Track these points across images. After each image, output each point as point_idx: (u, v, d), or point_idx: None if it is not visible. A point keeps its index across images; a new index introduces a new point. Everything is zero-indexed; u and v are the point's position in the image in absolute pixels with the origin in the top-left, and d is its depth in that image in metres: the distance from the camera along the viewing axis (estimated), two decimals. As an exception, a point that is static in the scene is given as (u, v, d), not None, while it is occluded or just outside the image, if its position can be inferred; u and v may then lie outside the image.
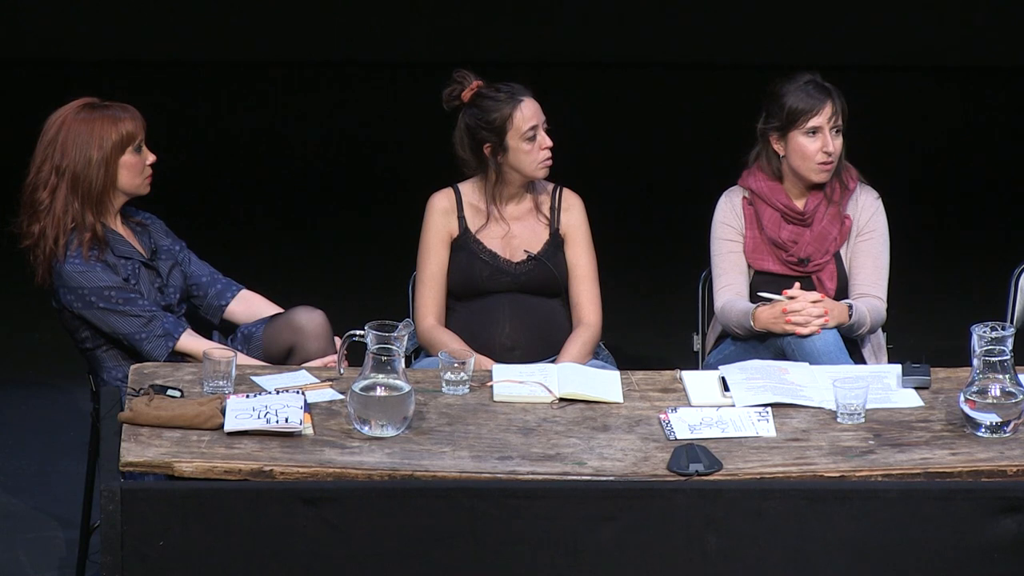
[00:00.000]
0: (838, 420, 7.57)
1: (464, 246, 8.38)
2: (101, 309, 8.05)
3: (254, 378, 7.77)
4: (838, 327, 8.23)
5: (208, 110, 11.45)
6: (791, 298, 8.17)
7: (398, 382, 7.44)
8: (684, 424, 7.53)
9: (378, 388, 7.42)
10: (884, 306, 8.35)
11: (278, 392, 7.66)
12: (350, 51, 12.32)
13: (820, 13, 12.51)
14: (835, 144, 8.26)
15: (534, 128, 8.25)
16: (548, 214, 8.43)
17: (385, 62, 11.08)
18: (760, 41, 11.85)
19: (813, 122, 8.26)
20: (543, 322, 8.40)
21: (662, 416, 7.59)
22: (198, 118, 11.23)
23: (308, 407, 7.55)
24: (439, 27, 12.24)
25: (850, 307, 8.25)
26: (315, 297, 8.36)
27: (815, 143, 8.27)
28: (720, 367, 7.97)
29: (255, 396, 7.60)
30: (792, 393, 7.72)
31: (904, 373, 7.82)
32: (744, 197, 8.38)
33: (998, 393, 7.46)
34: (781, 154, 8.35)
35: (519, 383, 7.76)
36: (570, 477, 7.31)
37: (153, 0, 12.78)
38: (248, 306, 8.43)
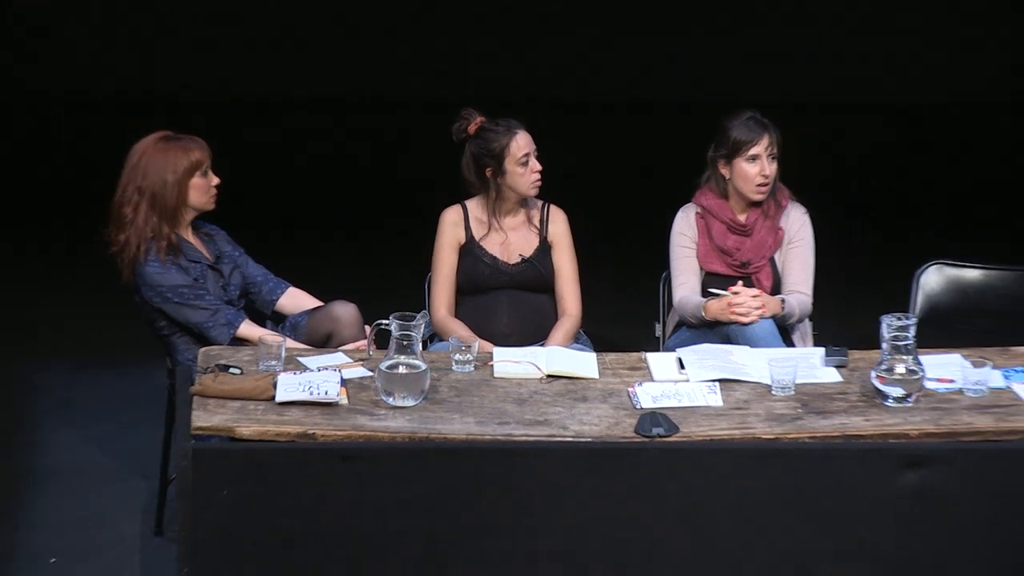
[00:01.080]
0: (773, 392, 7.58)
1: (470, 251, 8.40)
2: (175, 303, 8.08)
3: (300, 359, 7.78)
4: (773, 317, 8.22)
5: (268, 140, 11.42)
6: (735, 294, 8.19)
7: (416, 362, 7.46)
8: (648, 396, 7.55)
9: (400, 367, 7.45)
10: (810, 300, 8.38)
11: (319, 370, 7.67)
12: (378, 90, 12.24)
13: (760, 58, 12.41)
14: (771, 169, 8.27)
15: (527, 155, 8.27)
16: (538, 225, 8.45)
17: (403, 101, 11.02)
18: (710, 83, 11.79)
19: (753, 151, 8.27)
20: (534, 313, 8.41)
21: (630, 389, 7.60)
22: (261, 147, 11.22)
23: (344, 382, 7.56)
24: (447, 70, 12.17)
25: (783, 301, 8.27)
26: (349, 293, 8.36)
27: (755, 168, 8.29)
28: (677, 349, 7.94)
29: (301, 373, 7.61)
30: (736, 370, 7.73)
31: (826, 354, 7.83)
32: (697, 212, 8.40)
33: (903, 371, 7.48)
34: (727, 177, 8.37)
35: (514, 362, 7.78)
36: (555, 439, 7.32)
37: (222, 50, 12.62)
38: (295, 300, 8.45)
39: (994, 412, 7.49)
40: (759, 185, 8.30)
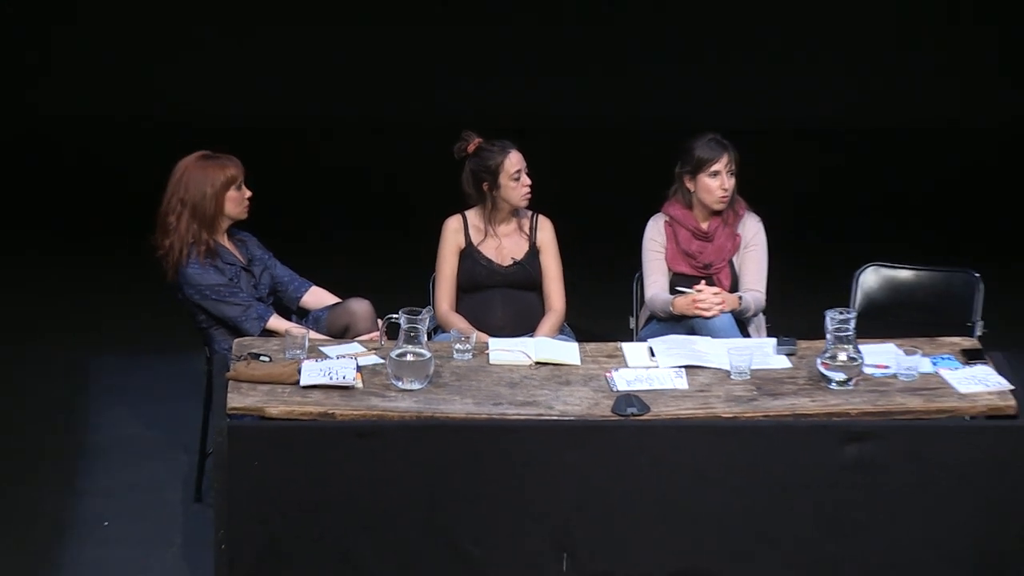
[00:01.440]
0: (731, 377, 7.60)
1: (469, 255, 8.42)
2: (213, 300, 8.12)
3: (321, 348, 7.78)
4: (732, 312, 8.25)
5: (297, 158, 11.42)
6: (699, 292, 8.21)
7: (422, 350, 7.49)
8: (623, 380, 7.57)
9: (408, 355, 7.47)
10: (764, 297, 8.38)
11: (338, 358, 7.68)
12: (391, 113, 12.17)
13: (723, 86, 12.34)
14: (729, 183, 8.28)
15: (519, 171, 8.29)
16: (528, 232, 8.46)
17: (414, 122, 11.01)
18: (679, 107, 11.73)
19: (714, 167, 8.29)
20: (524, 309, 8.41)
21: (607, 374, 7.63)
22: (293, 165, 11.22)
23: (359, 368, 7.59)
24: (452, 96, 12.14)
25: (740, 298, 8.28)
26: (364, 291, 8.37)
27: (716, 182, 8.30)
28: (648, 340, 7.97)
29: (322, 360, 7.63)
30: (699, 358, 7.74)
31: (778, 344, 7.85)
32: (665, 221, 8.40)
33: (844, 358, 7.51)
34: (692, 190, 8.38)
35: (507, 351, 7.82)
36: (543, 417, 7.36)
37: (250, 77, 12.54)
38: (316, 297, 8.46)
39: (923, 394, 7.53)
40: (720, 197, 8.33)
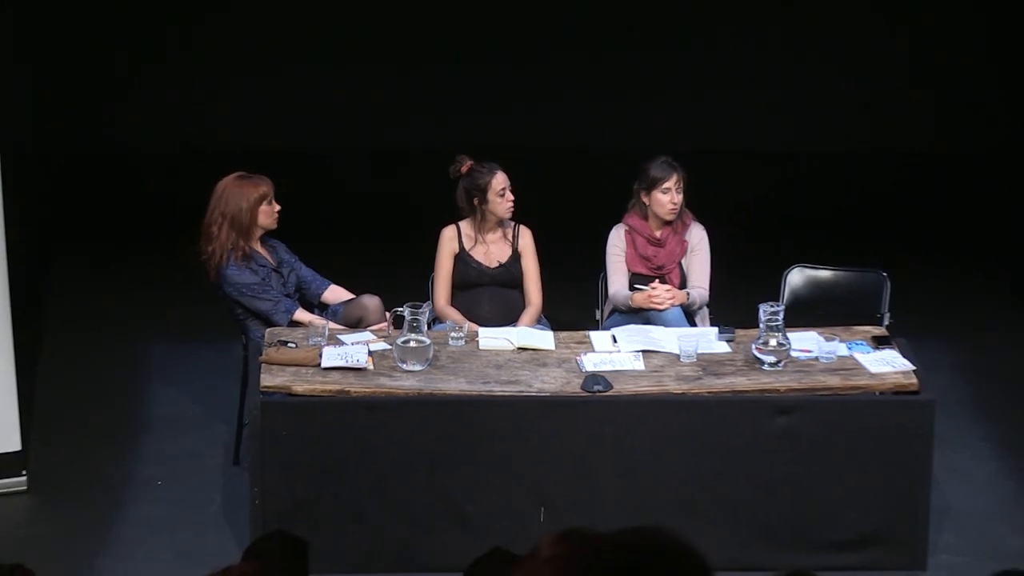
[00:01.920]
0: (681, 360, 7.63)
1: (462, 258, 8.40)
2: (248, 297, 8.12)
3: (339, 336, 7.80)
4: (681, 305, 8.26)
5: (319, 180, 11.42)
6: (654, 289, 8.22)
7: (423, 338, 7.54)
8: (590, 362, 7.61)
9: (411, 341, 7.51)
10: (707, 293, 8.30)
11: (353, 344, 7.71)
12: (400, 140, 12.08)
13: (677, 115, 12.21)
14: (678, 198, 8.26)
15: (504, 188, 8.28)
16: (511, 239, 8.45)
17: (420, 147, 11.00)
18: (640, 133, 11.62)
19: (666, 185, 8.27)
20: (508, 303, 8.33)
21: (577, 358, 7.66)
22: (315, 185, 11.23)
23: (370, 353, 7.63)
24: (452, 123, 12.05)
25: (688, 294, 8.26)
26: (374, 289, 8.38)
27: (667, 197, 8.28)
28: (611, 329, 8.00)
29: (339, 346, 7.66)
30: (654, 344, 7.76)
31: (719, 332, 7.87)
32: (625, 229, 8.40)
33: (775, 344, 7.55)
34: (647, 204, 8.36)
35: (494, 339, 7.83)
36: (524, 394, 7.43)
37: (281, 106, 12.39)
38: (335, 294, 8.44)
39: (841, 373, 7.61)
40: (670, 209, 8.30)
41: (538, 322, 8.30)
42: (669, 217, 8.30)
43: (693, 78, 12.16)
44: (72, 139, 11.93)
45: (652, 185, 8.27)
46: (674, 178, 8.25)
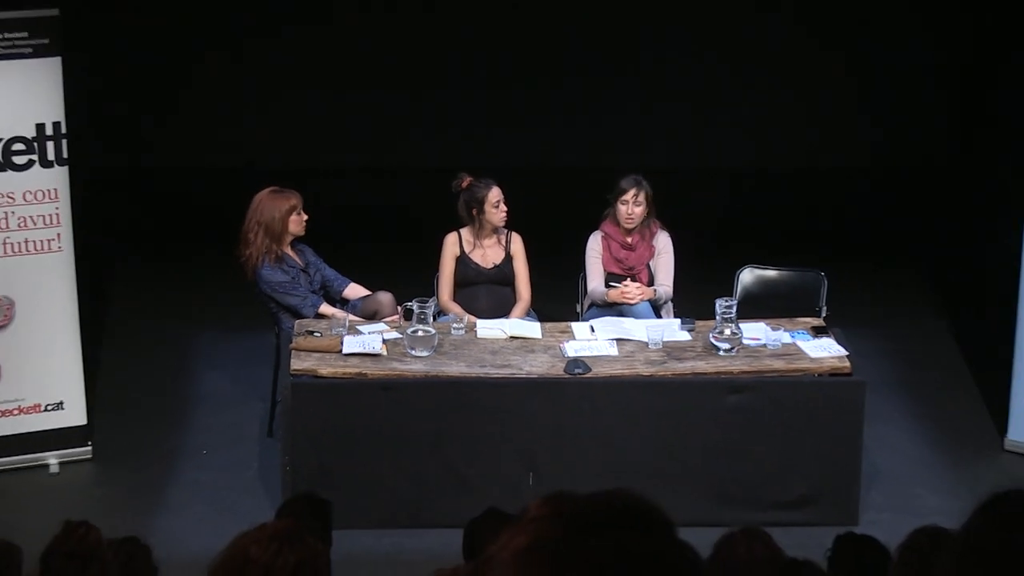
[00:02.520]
0: (649, 346, 7.64)
1: (462, 260, 8.36)
2: (280, 293, 8.08)
3: (357, 327, 7.80)
4: (649, 300, 8.24)
5: (342, 193, 11.32)
6: (626, 286, 8.18)
7: (429, 328, 7.56)
8: (572, 349, 7.63)
9: (419, 331, 7.53)
10: (671, 291, 8.17)
11: (369, 333, 7.72)
12: (412, 159, 12.00)
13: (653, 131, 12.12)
14: (635, 210, 8.06)
15: (498, 201, 8.24)
16: (504, 244, 8.40)
17: (430, 166, 10.92)
18: (620, 153, 11.51)
19: (625, 197, 8.14)
20: (501, 299, 8.28)
21: (561, 345, 7.69)
22: (344, 198, 11.17)
23: (384, 341, 7.63)
24: (455, 142, 11.97)
25: (655, 290, 8.22)
26: (387, 286, 8.36)
27: (625, 208, 8.11)
28: (590, 320, 8.01)
29: (358, 335, 7.67)
30: (627, 333, 7.78)
31: (682, 323, 7.89)
32: (601, 235, 8.34)
33: (729, 333, 7.57)
34: (618, 210, 8.38)
35: (490, 329, 7.83)
36: (515, 376, 7.46)
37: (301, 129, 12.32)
38: (354, 291, 8.40)
39: (785, 358, 7.63)
40: (626, 219, 8.23)
41: (527, 315, 8.29)
42: (627, 225, 8.22)
43: (658, 104, 12.13)
44: (131, 154, 11.93)
45: (616, 196, 8.24)
46: (632, 192, 8.18)
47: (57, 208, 7.82)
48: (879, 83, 12.21)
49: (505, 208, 8.26)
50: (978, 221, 10.85)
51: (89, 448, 8.18)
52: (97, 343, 9.19)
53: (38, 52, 7.63)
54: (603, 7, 12.07)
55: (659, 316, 8.22)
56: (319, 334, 7.75)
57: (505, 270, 8.35)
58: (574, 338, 7.80)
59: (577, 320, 8.23)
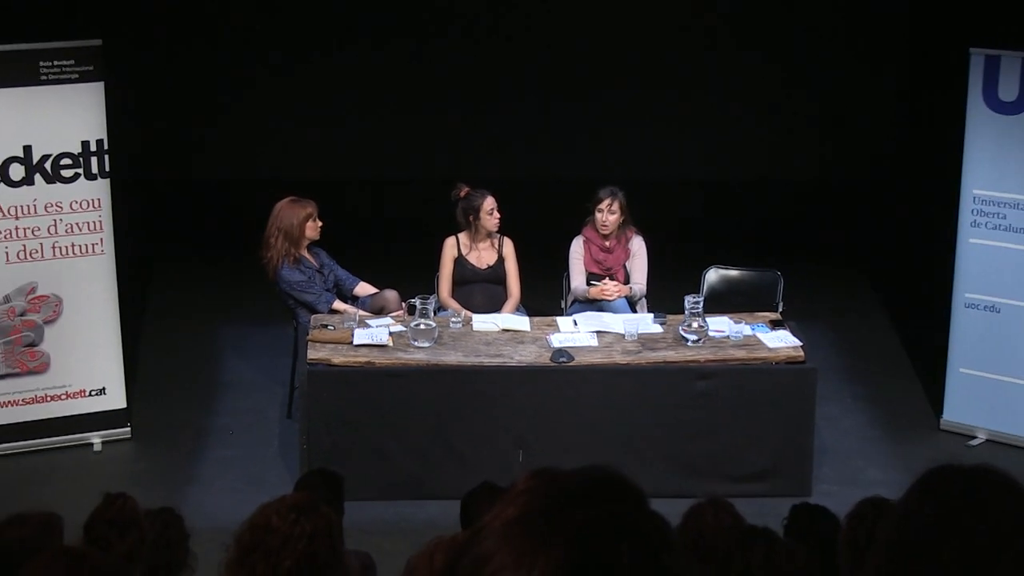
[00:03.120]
0: (626, 338, 7.64)
1: (460, 261, 8.38)
2: (297, 291, 8.08)
3: (367, 321, 7.80)
4: (626, 297, 8.29)
5: (353, 203, 11.37)
6: (605, 284, 8.21)
7: (430, 322, 7.56)
8: (557, 340, 7.63)
9: (421, 324, 7.52)
10: (645, 288, 8.22)
11: (377, 327, 7.72)
12: (415, 171, 12.07)
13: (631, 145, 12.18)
14: (608, 218, 8.06)
15: (492, 208, 8.25)
16: (497, 247, 8.43)
17: (432, 178, 10.94)
18: (606, 166, 11.55)
19: (600, 206, 8.15)
20: (494, 296, 8.30)
21: (547, 336, 7.68)
22: (350, 206, 11.16)
23: (391, 333, 7.63)
24: (455, 155, 12.02)
25: (631, 288, 8.29)
26: (393, 284, 8.35)
27: (600, 216, 8.12)
28: (573, 315, 8.01)
29: (366, 328, 7.67)
30: (606, 326, 7.78)
31: (654, 317, 7.89)
32: (583, 239, 8.35)
33: (696, 326, 7.57)
34: (596, 217, 8.40)
35: (484, 323, 7.83)
36: (507, 364, 7.45)
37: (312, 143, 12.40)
38: (363, 289, 8.40)
39: (746, 348, 7.64)
40: (601, 225, 8.25)
41: (517, 310, 8.31)
42: (603, 231, 8.22)
43: (634, 124, 12.18)
44: (168, 168, 11.96)
45: (594, 205, 8.25)
46: (607, 201, 8.19)
47: (100, 216, 7.84)
48: (829, 107, 12.31)
49: (498, 215, 8.27)
50: (915, 227, 10.89)
51: (128, 429, 8.18)
52: (136, 336, 9.21)
53: (83, 78, 7.66)
54: (587, 43, 12.12)
55: (634, 311, 8.24)
56: (332, 327, 7.74)
57: (498, 270, 8.35)
58: (559, 331, 7.80)
59: (561, 315, 8.24)
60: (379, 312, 8.10)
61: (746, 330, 7.78)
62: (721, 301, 8.37)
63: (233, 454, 8.06)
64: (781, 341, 7.69)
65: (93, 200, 7.81)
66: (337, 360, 7.44)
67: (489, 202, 8.24)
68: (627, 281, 8.31)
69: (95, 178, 7.79)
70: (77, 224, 7.80)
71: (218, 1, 12.03)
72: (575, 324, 7.87)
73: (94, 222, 7.83)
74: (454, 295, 8.33)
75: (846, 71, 12.23)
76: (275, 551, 3.98)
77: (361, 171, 11.99)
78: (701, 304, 7.68)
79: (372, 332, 7.67)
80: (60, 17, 10.80)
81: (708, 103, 12.17)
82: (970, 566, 2.08)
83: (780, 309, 8.37)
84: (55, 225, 7.76)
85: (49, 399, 7.95)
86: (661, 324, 7.85)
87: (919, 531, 2.15)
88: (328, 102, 12.13)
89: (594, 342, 7.66)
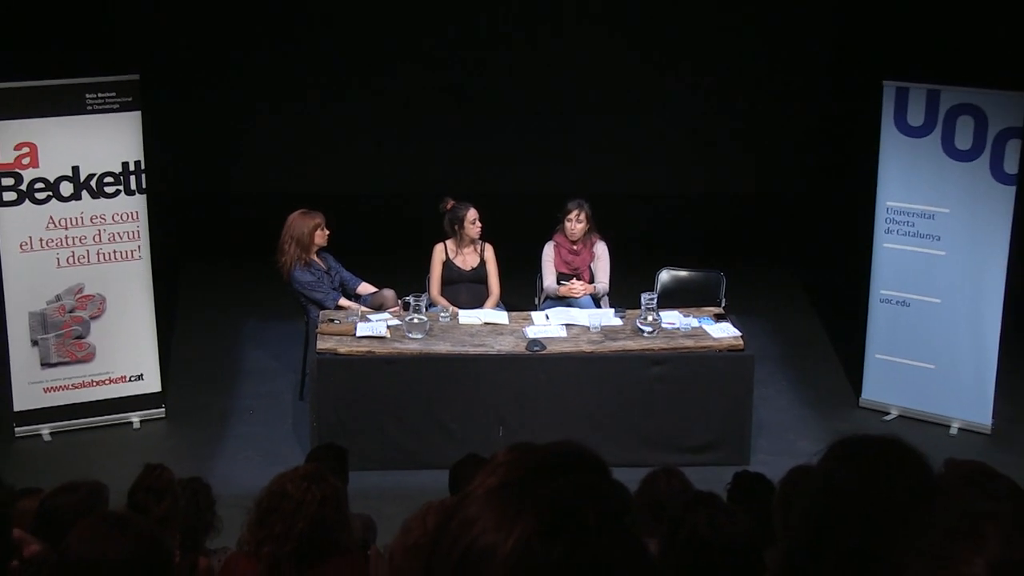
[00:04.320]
0: (590, 330, 7.64)
1: (447, 264, 8.34)
2: (308, 290, 8.04)
3: (368, 316, 7.80)
4: (591, 295, 8.29)
5: (356, 215, 11.30)
6: (573, 284, 8.18)
7: (423, 316, 7.55)
8: (532, 332, 7.62)
9: (415, 319, 7.51)
10: (607, 287, 8.25)
11: (376, 321, 7.71)
12: (409, 186, 12.04)
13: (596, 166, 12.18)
14: (575, 227, 8.09)
15: (475, 219, 8.22)
16: (479, 252, 8.42)
17: (424, 192, 10.92)
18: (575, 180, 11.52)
19: (569, 216, 8.16)
20: (477, 294, 8.24)
21: (523, 329, 7.68)
22: (355, 217, 11.13)
23: (389, 326, 7.63)
24: (446, 172, 11.99)
25: (595, 287, 8.28)
26: (390, 284, 8.34)
27: (569, 224, 8.14)
28: (545, 310, 8.01)
29: (368, 323, 7.66)
30: (573, 319, 7.78)
31: (615, 312, 7.90)
32: (554, 244, 8.36)
33: (651, 319, 7.58)
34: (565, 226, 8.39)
35: (469, 317, 7.84)
36: (488, 352, 7.43)
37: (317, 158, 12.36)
38: (365, 288, 8.23)
39: (694, 337, 7.64)
40: (570, 232, 8.25)
41: (497, 306, 8.30)
42: (571, 237, 8.21)
43: (600, 145, 12.19)
44: (194, 184, 11.93)
45: (563, 215, 8.25)
46: (575, 212, 8.19)
47: (137, 226, 7.85)
48: (763, 131, 12.33)
49: (480, 224, 8.26)
50: (838, 234, 10.92)
51: (163, 410, 8.17)
52: (169, 329, 9.20)
53: (123, 108, 7.68)
54: (558, 79, 12.12)
55: (598, 306, 8.24)
56: (338, 321, 7.73)
57: (480, 272, 8.35)
58: (533, 324, 7.80)
59: (535, 310, 8.23)
60: (378, 308, 8.08)
61: (693, 322, 7.79)
62: (672, 298, 8.38)
63: (253, 431, 8.04)
64: (724, 332, 7.71)
65: (132, 213, 7.81)
66: (342, 350, 7.43)
67: (471, 214, 8.24)
68: (592, 280, 8.32)
69: (133, 194, 7.80)
70: (118, 233, 7.81)
71: (232, 44, 11.98)
72: (547, 318, 7.87)
73: (132, 231, 7.84)
74: (443, 294, 8.33)
75: (779, 101, 12.28)
76: (290, 514, 4.00)
77: (362, 186, 11.99)
78: (655, 300, 7.69)
79: (372, 325, 7.65)
80: (102, 49, 10.78)
81: (662, 130, 12.25)
82: (882, 520, 2.10)
83: (723, 304, 8.38)
84: (99, 234, 7.76)
85: (95, 384, 7.94)
86: (621, 318, 7.85)
87: (831, 492, 2.18)
88: (331, 129, 12.14)
89: (563, 333, 7.66)
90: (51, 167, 7.56)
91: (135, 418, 8.06)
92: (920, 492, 2.07)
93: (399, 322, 7.70)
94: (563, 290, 8.21)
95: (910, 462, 2.19)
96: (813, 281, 10.67)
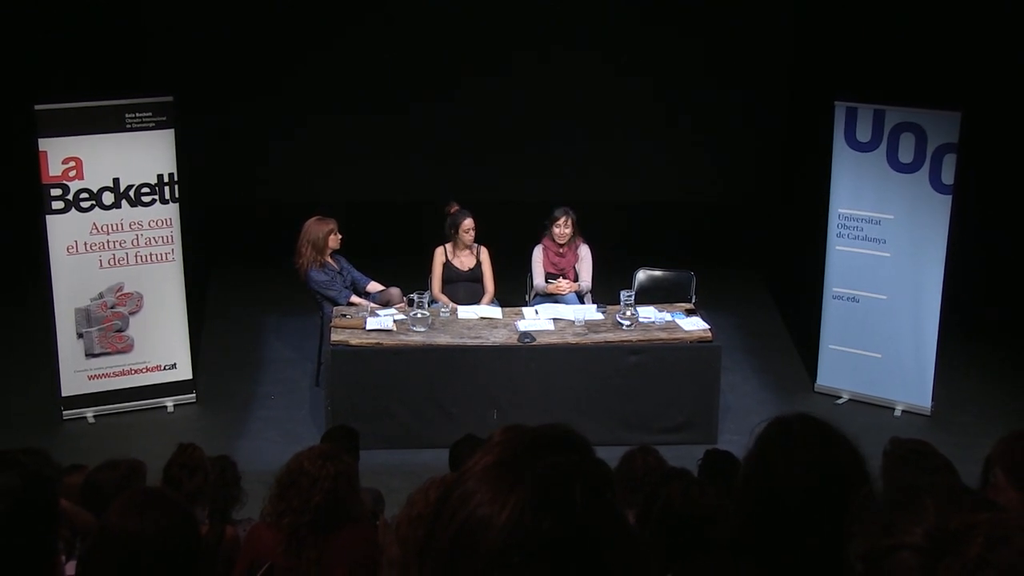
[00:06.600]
0: (575, 324, 7.62)
1: (447, 265, 8.29)
2: (323, 288, 7.96)
3: (376, 311, 7.80)
4: (576, 292, 8.30)
5: (368, 222, 11.19)
6: (559, 282, 8.18)
7: (425, 311, 7.54)
8: (523, 325, 7.61)
9: (418, 314, 7.50)
10: (590, 285, 8.22)
11: (384, 316, 7.69)
12: (413, 194, 11.99)
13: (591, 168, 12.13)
14: (564, 231, 8.08)
15: (469, 228, 8.09)
16: (476, 254, 8.40)
17: (425, 203, 10.88)
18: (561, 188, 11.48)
19: (557, 222, 8.18)
20: (474, 292, 8.20)
21: (515, 323, 7.67)
22: (368, 224, 11.06)
23: (395, 321, 7.61)
24: (446, 179, 11.93)
25: (580, 285, 8.28)
26: (396, 282, 8.34)
27: (557, 229, 8.15)
28: (535, 306, 7.98)
29: (376, 317, 7.64)
30: (560, 314, 7.76)
31: (597, 307, 7.87)
32: (542, 247, 8.35)
33: (629, 314, 7.58)
34: (552, 231, 8.38)
35: (466, 312, 7.82)
36: (484, 344, 7.41)
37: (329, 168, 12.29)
38: (374, 287, 8.16)
39: (667, 330, 7.64)
40: (557, 236, 8.22)
41: (492, 303, 8.30)
42: (559, 241, 8.20)
43: (583, 158, 12.16)
44: (222, 194, 11.89)
45: (552, 222, 8.24)
46: (563, 219, 8.17)
47: (171, 232, 7.86)
48: (728, 145, 12.33)
49: (473, 232, 8.23)
50: (796, 237, 10.93)
51: (194, 395, 8.16)
52: (200, 324, 9.17)
53: (159, 126, 7.71)
54: (546, 99, 12.08)
55: (582, 303, 8.23)
56: (350, 316, 7.72)
57: (476, 272, 8.33)
58: (524, 318, 7.79)
59: (526, 305, 8.23)
60: (386, 304, 8.06)
61: (667, 317, 7.79)
62: (648, 295, 8.38)
63: (274, 414, 8.02)
64: (694, 325, 7.70)
65: (166, 219, 7.82)
66: (354, 342, 7.42)
67: (467, 223, 8.22)
68: (576, 279, 8.32)
69: (167, 203, 7.81)
70: (154, 238, 7.82)
71: (254, 72, 11.95)
72: (536, 313, 7.85)
73: (167, 236, 7.85)
74: (443, 292, 8.32)
75: (742, 117, 12.28)
76: (307, 489, 4.00)
77: (372, 195, 11.97)
78: (633, 297, 7.70)
79: (381, 320, 7.64)
80: (141, 74, 10.74)
81: (638, 145, 12.23)
82: (808, 486, 2.18)
83: (693, 301, 8.38)
84: (137, 239, 7.78)
85: (133, 372, 7.94)
86: (602, 313, 7.83)
87: (760, 460, 2.21)
88: (344, 145, 12.11)
89: (551, 327, 7.64)
90: (95, 179, 7.58)
91: (169, 403, 8.05)
92: (853, 463, 2.11)
93: (404, 317, 7.68)
94: (551, 288, 8.20)
95: (830, 438, 2.22)
96: (774, 280, 10.68)
